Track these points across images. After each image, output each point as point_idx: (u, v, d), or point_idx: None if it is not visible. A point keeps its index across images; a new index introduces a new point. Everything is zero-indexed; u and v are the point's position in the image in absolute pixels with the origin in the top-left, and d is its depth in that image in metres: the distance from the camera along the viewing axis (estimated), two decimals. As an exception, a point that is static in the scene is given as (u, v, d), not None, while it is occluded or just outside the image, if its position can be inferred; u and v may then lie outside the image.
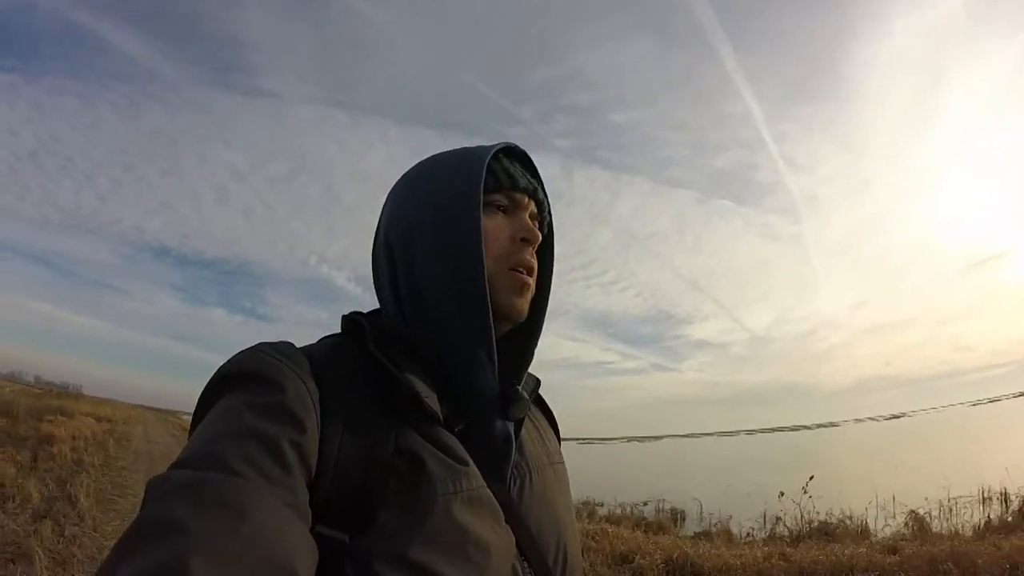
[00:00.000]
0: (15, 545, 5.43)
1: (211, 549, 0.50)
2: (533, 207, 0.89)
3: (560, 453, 0.99)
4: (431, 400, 0.74)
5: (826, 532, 8.28)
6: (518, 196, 0.87)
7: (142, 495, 0.57)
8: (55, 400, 25.61)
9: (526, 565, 0.76)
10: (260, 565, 0.53)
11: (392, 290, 0.84)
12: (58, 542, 5.79)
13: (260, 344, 0.74)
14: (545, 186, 0.93)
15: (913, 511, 8.71)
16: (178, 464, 0.60)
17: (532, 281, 0.86)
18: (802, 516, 8.88)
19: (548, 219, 0.95)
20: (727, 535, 8.90)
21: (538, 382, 0.95)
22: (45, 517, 6.50)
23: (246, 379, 0.68)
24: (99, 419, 22.62)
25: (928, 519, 8.43)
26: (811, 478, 9.18)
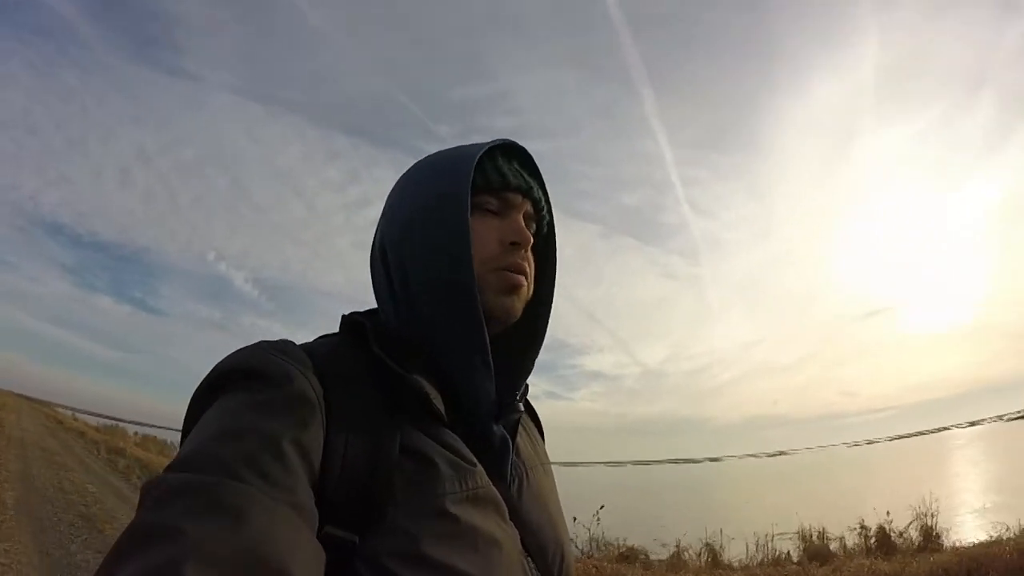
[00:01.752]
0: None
1: (206, 555, 0.50)
2: (529, 207, 0.87)
3: (547, 456, 0.99)
4: (436, 400, 0.74)
5: (625, 556, 9.36)
6: (510, 196, 0.84)
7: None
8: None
9: (530, 561, 0.76)
10: (257, 570, 0.52)
11: (388, 293, 0.84)
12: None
13: (260, 342, 0.73)
14: (544, 184, 0.91)
15: (708, 543, 9.67)
16: (175, 465, 0.58)
17: (524, 282, 0.83)
18: (591, 541, 9.87)
19: (547, 219, 0.92)
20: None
21: (526, 386, 0.92)
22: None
23: (246, 377, 0.66)
24: (-28, 404, 21.91)
25: (720, 550, 9.43)
26: (601, 507, 10.07)
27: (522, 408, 0.86)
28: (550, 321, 0.91)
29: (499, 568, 0.69)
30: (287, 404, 0.64)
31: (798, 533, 9.97)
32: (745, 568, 8.32)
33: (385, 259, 0.85)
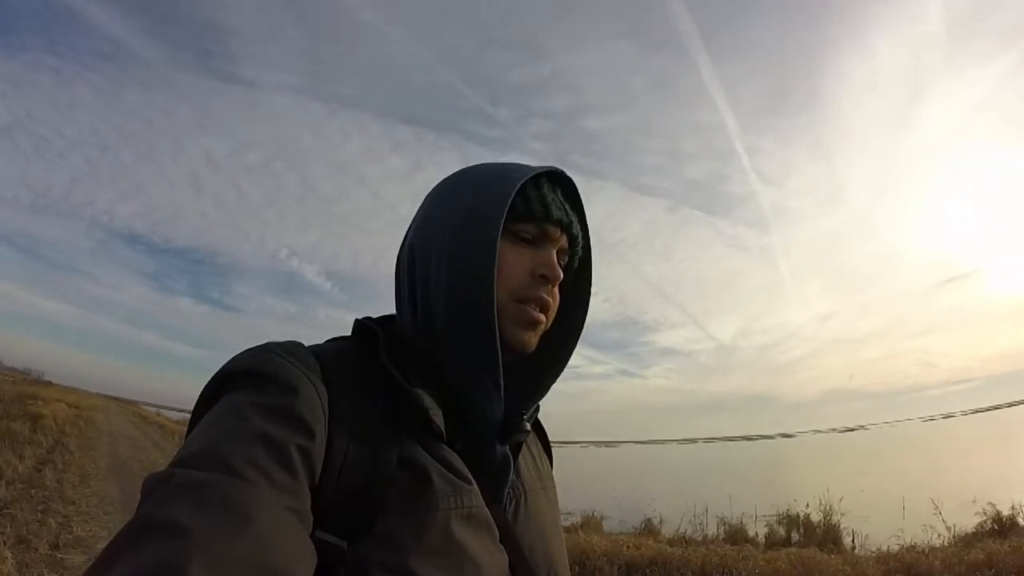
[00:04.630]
0: (36, 467, 10.14)
1: (211, 553, 0.50)
2: (564, 241, 0.86)
3: (552, 478, 0.98)
4: (437, 416, 0.74)
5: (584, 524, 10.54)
6: (549, 228, 0.83)
7: (139, 489, 0.57)
8: (30, 388, 31.02)
9: None
10: (260, 571, 0.52)
11: (410, 301, 0.83)
12: (60, 466, 10.73)
13: (269, 343, 0.72)
14: (586, 217, 0.90)
15: (648, 518, 10.77)
16: (181, 462, 0.58)
17: (544, 318, 0.83)
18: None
19: (581, 254, 0.91)
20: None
21: (537, 407, 0.90)
22: (52, 453, 11.85)
23: (255, 379, 0.67)
24: (69, 405, 26.40)
25: (659, 526, 10.31)
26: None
27: (528, 428, 0.85)
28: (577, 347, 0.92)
29: None
30: (294, 409, 0.65)
31: (775, 515, 10.31)
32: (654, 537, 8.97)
33: (412, 265, 0.83)
